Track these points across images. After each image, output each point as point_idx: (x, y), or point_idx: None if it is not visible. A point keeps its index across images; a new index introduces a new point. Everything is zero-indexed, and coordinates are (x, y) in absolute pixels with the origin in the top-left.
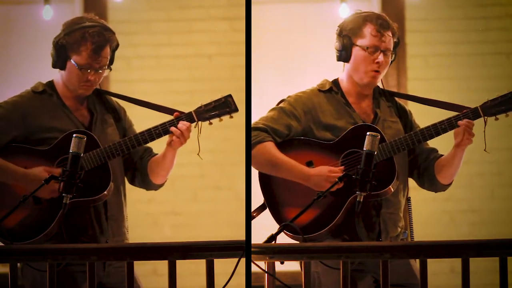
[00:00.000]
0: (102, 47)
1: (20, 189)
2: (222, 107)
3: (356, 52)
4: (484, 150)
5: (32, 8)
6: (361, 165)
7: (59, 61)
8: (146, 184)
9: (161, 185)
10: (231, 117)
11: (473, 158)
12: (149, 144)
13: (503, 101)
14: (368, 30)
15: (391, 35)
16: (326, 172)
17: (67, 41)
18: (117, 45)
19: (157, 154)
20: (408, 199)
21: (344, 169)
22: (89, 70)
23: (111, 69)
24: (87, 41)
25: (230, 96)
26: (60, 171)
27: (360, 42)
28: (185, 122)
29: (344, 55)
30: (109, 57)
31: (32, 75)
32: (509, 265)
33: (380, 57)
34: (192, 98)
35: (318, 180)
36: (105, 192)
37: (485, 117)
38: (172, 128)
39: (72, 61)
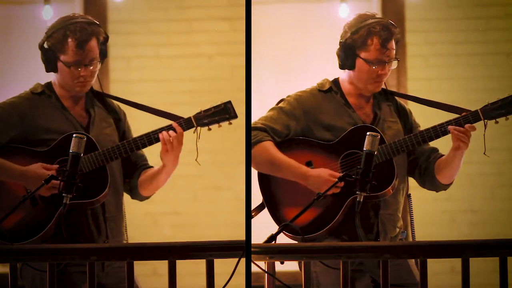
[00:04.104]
0: (85, 41)
1: (17, 189)
2: (222, 113)
3: (359, 64)
4: (484, 153)
5: (32, 8)
6: (361, 165)
7: (49, 64)
8: (133, 193)
9: (146, 198)
10: (230, 123)
11: (474, 159)
12: (149, 148)
13: (503, 104)
14: (372, 44)
15: (394, 46)
16: (326, 176)
17: (51, 42)
18: (106, 38)
19: (152, 167)
20: (408, 196)
21: (344, 167)
22: (78, 68)
23: (102, 62)
24: (69, 37)
25: (229, 102)
26: (57, 167)
27: (364, 55)
28: (178, 128)
29: (347, 64)
30: (97, 50)
31: (32, 75)
32: (509, 265)
33: (384, 70)
34: (192, 98)
35: (317, 182)
36: (102, 195)
37: (485, 120)
38: (162, 133)
39: (60, 61)
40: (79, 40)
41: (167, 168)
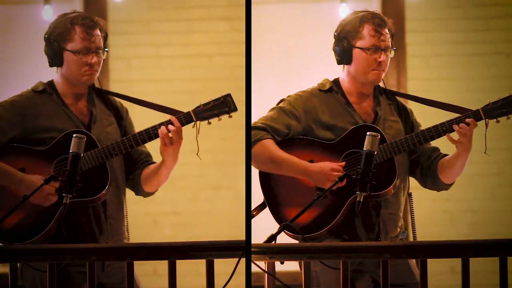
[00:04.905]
0: (92, 27)
1: (18, 190)
2: (221, 106)
3: (357, 54)
4: (485, 152)
5: (32, 8)
6: (361, 165)
7: (55, 57)
8: (136, 190)
9: (151, 194)
10: (230, 116)
11: (473, 158)
12: (153, 146)
13: (504, 103)
14: (366, 31)
15: (388, 33)
16: (327, 170)
17: (57, 32)
18: (106, 35)
19: (155, 162)
20: (409, 195)
21: (346, 166)
22: (86, 54)
23: (107, 50)
24: (76, 24)
25: (229, 95)
26: (57, 185)
27: (359, 43)
28: (176, 122)
29: (345, 58)
30: (102, 41)
31: (32, 75)
32: (509, 265)
33: (382, 56)
34: (192, 98)
35: (319, 177)
36: (103, 192)
37: (487, 120)
38: (161, 128)
39: (67, 50)
40: (86, 26)
41: (166, 163)
